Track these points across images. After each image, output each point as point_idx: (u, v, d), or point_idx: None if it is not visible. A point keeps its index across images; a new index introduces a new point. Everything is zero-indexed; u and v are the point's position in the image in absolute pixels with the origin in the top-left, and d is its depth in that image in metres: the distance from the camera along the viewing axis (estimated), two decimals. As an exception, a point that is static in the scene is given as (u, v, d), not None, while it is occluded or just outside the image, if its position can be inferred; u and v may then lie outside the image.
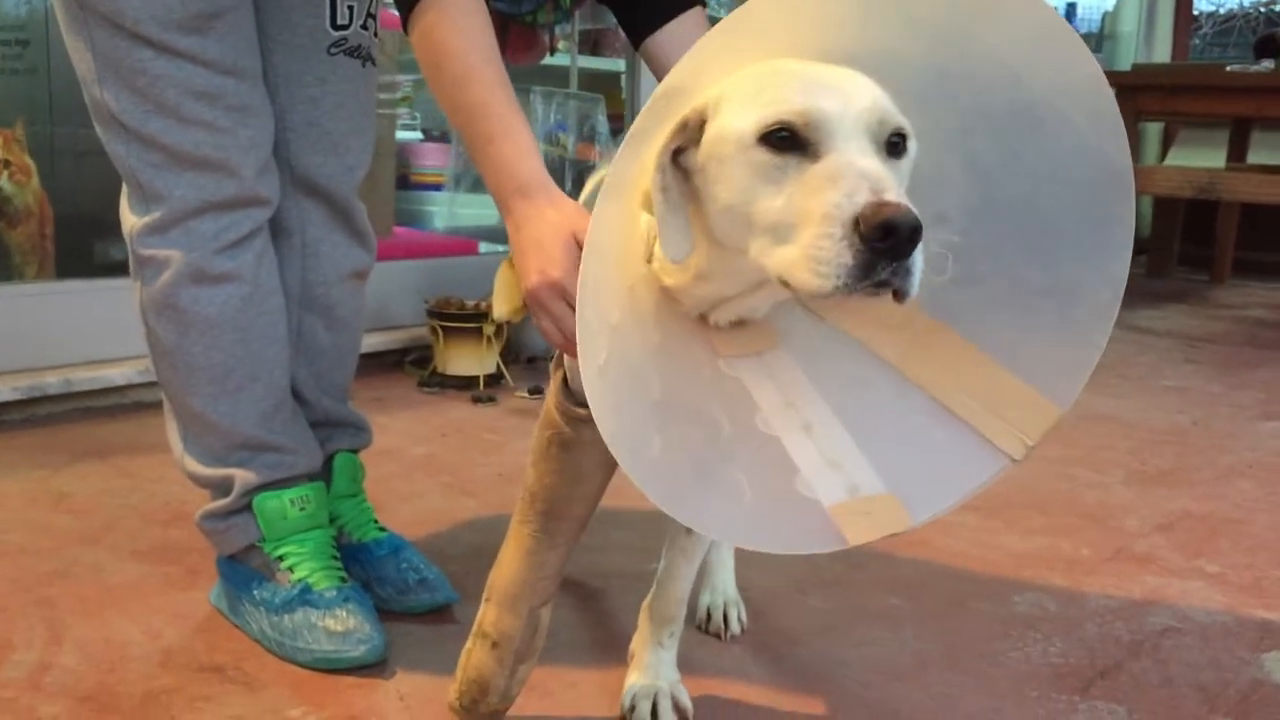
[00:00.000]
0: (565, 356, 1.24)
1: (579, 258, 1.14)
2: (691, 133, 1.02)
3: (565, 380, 1.27)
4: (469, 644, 1.36)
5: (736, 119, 0.98)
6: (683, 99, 1.01)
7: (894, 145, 0.98)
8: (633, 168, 1.02)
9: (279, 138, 1.61)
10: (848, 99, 0.96)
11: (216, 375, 1.58)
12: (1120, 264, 1.04)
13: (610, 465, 1.30)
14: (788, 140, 0.95)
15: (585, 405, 1.25)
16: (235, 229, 1.54)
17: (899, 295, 0.91)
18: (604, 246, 1.01)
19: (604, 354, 1.00)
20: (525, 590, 1.31)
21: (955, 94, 1.06)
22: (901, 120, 0.98)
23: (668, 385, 1.07)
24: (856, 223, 0.88)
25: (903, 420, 1.07)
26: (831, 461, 1.06)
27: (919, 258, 0.90)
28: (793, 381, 1.09)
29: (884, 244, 0.88)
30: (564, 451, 1.27)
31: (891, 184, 0.91)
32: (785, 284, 0.95)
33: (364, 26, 1.63)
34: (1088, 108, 1.02)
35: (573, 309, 1.16)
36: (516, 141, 1.23)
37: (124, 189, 1.55)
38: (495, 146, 1.23)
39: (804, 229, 0.92)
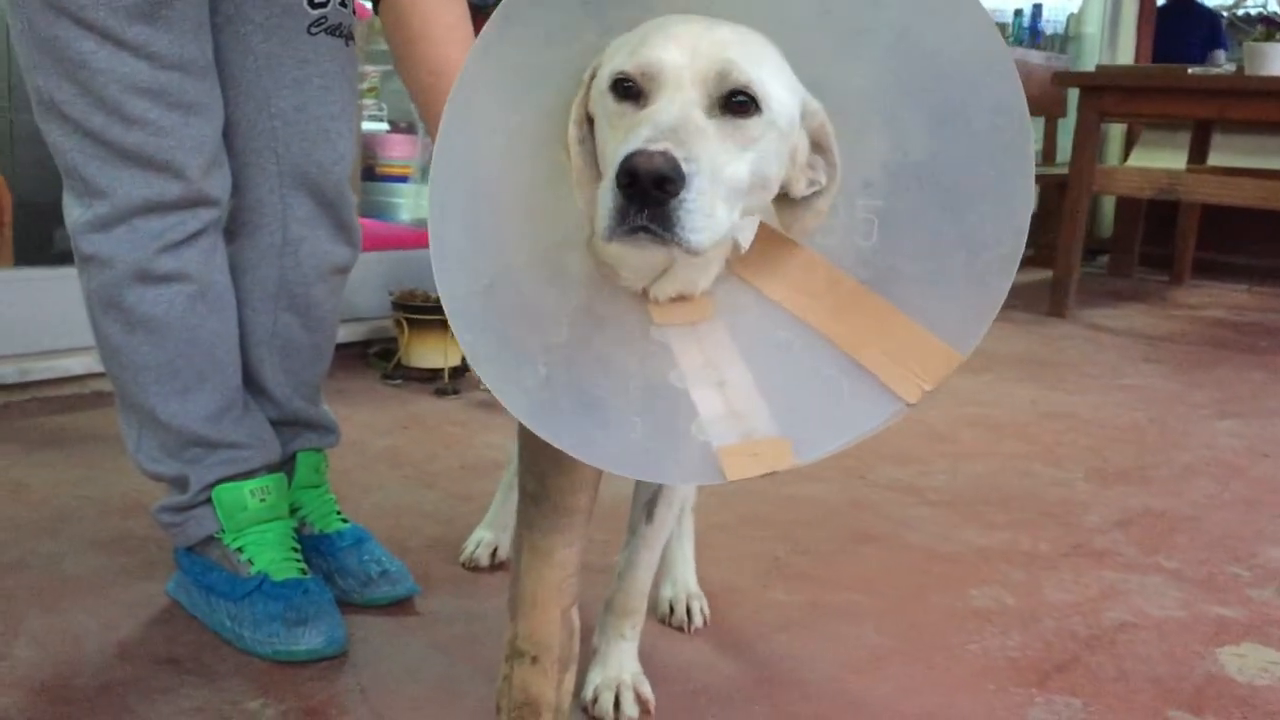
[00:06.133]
0: None
1: None
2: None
3: None
4: (504, 669, 1.30)
5: (604, 69, 1.03)
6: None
7: (741, 104, 0.99)
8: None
9: (265, 127, 1.57)
10: (695, 53, 0.99)
11: (164, 375, 1.55)
12: (1022, 212, 1.04)
13: None
14: (630, 90, 1.01)
15: None
16: (180, 228, 1.50)
17: (681, 246, 0.94)
18: (485, 165, 1.07)
19: (488, 279, 1.07)
20: (554, 594, 1.27)
21: (867, 51, 1.08)
22: (747, 77, 0.99)
23: (577, 335, 1.11)
24: None
25: (813, 375, 1.10)
26: (735, 412, 1.08)
27: (687, 207, 0.93)
28: (718, 347, 1.12)
29: (631, 190, 0.92)
30: None
31: (682, 134, 0.94)
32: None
33: (342, 4, 1.58)
34: (980, 54, 1.03)
35: None
36: None
37: (65, 181, 1.50)
38: None
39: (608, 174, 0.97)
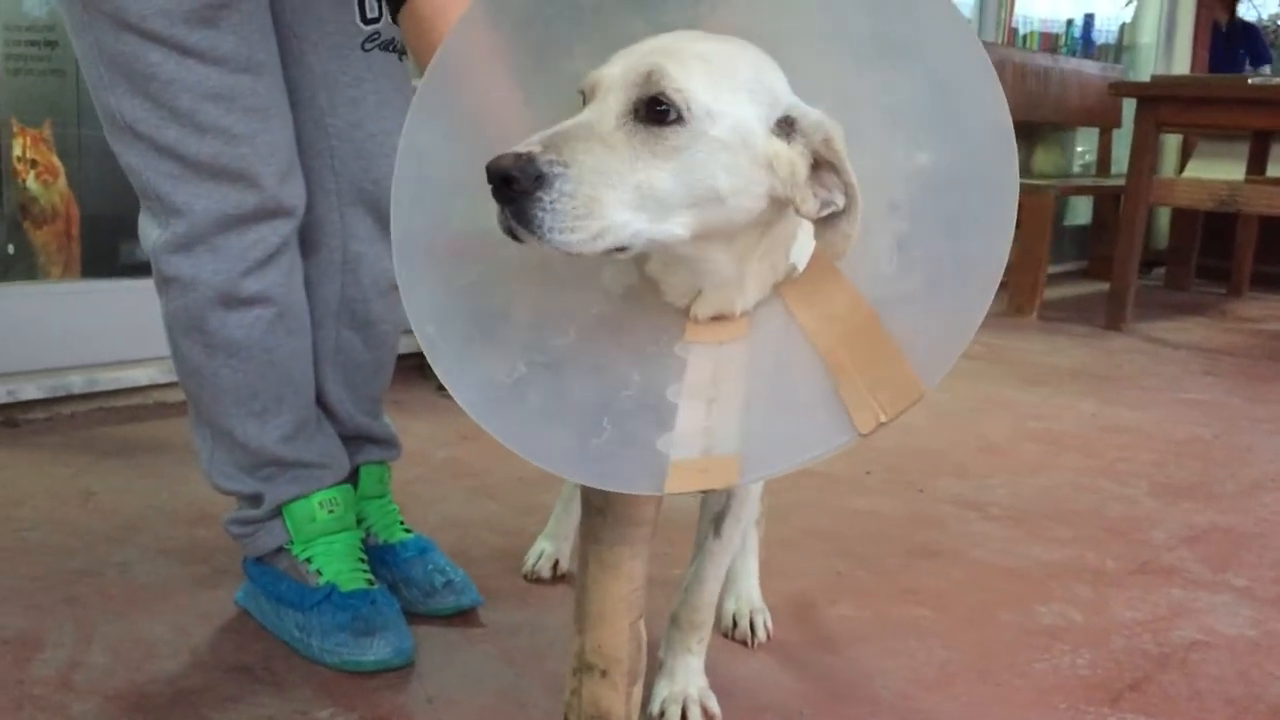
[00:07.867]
0: None
1: None
2: None
3: None
4: (572, 684, 1.29)
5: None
6: None
7: (661, 112, 0.98)
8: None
9: (322, 146, 1.57)
10: (630, 65, 1.00)
11: (242, 397, 1.55)
12: (1005, 240, 1.01)
13: None
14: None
15: None
16: (262, 245, 1.50)
17: (546, 245, 0.95)
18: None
19: (474, 275, 1.12)
20: (621, 607, 1.26)
21: (880, 66, 1.07)
22: (665, 86, 0.98)
23: (583, 340, 1.12)
24: None
25: (793, 400, 1.08)
26: (708, 429, 1.07)
27: (544, 206, 0.94)
28: (729, 365, 1.11)
29: (492, 190, 0.95)
30: None
31: (561, 138, 0.96)
32: None
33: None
34: (972, 69, 1.01)
35: None
36: None
37: (141, 203, 1.51)
38: None
39: None
